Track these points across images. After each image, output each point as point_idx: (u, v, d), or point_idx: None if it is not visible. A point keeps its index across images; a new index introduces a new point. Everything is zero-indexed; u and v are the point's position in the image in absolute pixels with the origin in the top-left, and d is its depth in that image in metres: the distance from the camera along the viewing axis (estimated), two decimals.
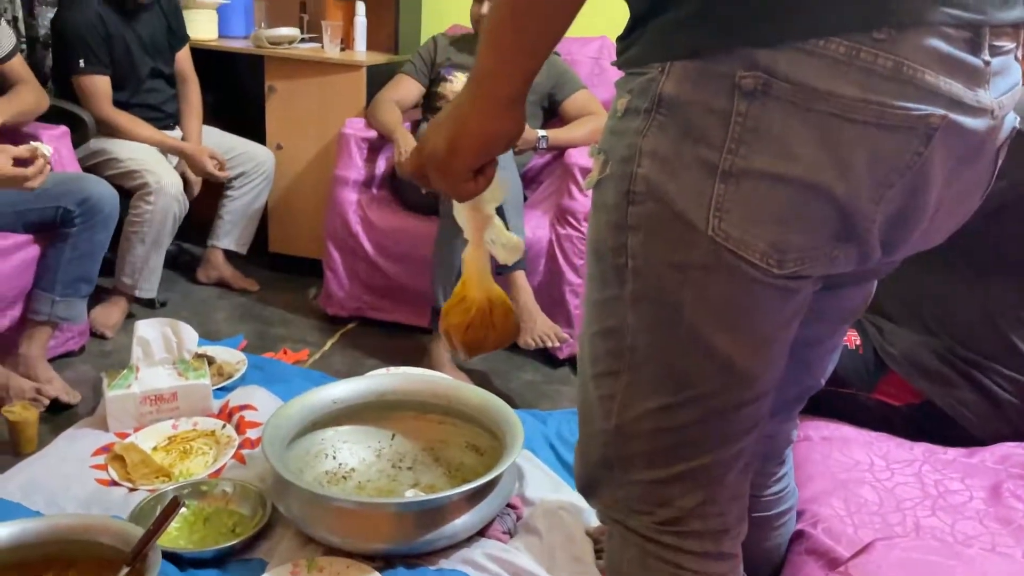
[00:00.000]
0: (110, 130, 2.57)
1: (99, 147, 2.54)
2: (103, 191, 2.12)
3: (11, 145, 1.86)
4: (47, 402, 1.99)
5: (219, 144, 2.83)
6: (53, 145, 2.22)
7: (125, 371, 1.91)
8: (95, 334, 2.49)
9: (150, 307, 2.77)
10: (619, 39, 0.77)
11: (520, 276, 2.38)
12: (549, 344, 2.30)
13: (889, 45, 0.65)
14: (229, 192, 2.89)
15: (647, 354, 0.77)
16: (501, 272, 2.37)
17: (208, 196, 2.89)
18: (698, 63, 0.68)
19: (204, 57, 3.05)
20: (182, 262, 3.17)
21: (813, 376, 0.99)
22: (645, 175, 0.72)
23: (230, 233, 2.92)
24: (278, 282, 3.06)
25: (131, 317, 2.64)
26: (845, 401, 1.39)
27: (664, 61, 0.70)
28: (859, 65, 0.65)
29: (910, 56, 0.65)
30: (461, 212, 0.99)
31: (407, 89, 2.75)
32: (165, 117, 2.76)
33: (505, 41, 0.74)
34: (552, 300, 2.49)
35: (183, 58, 2.80)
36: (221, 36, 3.11)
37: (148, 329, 1.94)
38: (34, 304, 2.10)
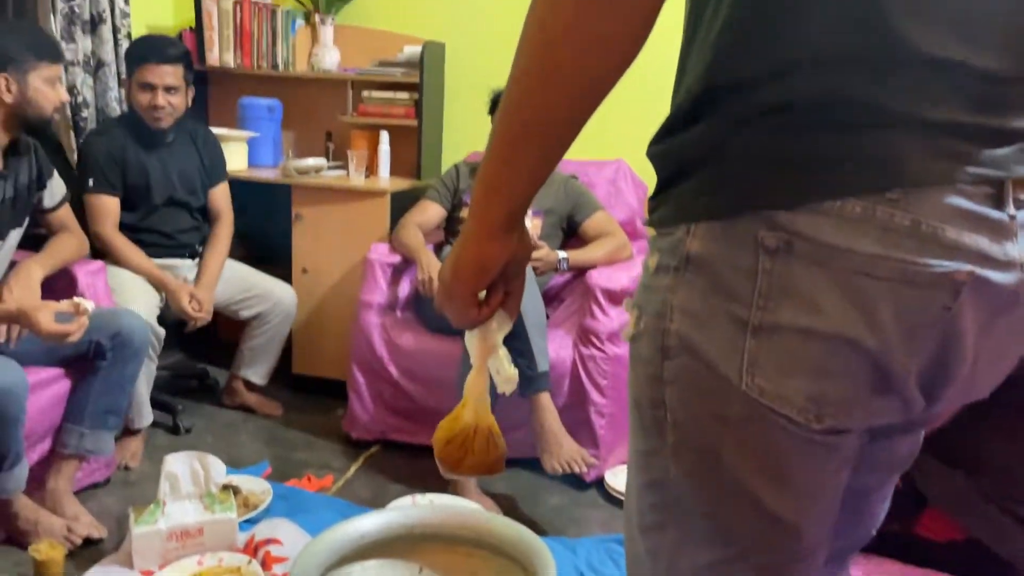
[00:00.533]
0: (105, 249, 2.60)
1: None
2: (134, 324, 2.16)
3: (53, 301, 1.93)
4: (79, 541, 1.98)
5: (241, 280, 2.85)
6: (90, 280, 2.30)
7: (152, 506, 1.90)
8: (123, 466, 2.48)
9: (174, 433, 2.77)
10: (650, 199, 0.81)
11: (544, 398, 2.37)
12: (576, 470, 2.27)
13: (904, 204, 0.66)
14: (248, 330, 2.90)
15: (692, 508, 0.76)
16: (524, 394, 2.37)
17: (238, 323, 2.93)
18: (721, 224, 0.70)
19: (234, 186, 3.15)
20: (207, 385, 3.18)
21: (864, 526, 0.96)
22: (677, 330, 0.74)
23: (251, 365, 2.92)
24: (302, 404, 3.06)
25: (153, 444, 2.65)
26: (885, 537, 1.35)
27: (689, 222, 0.73)
28: (877, 223, 0.66)
29: (928, 213, 0.66)
30: (471, 339, 1.02)
31: (430, 213, 2.83)
32: (178, 246, 2.78)
33: (492, 172, 0.78)
34: (577, 421, 2.47)
35: (217, 195, 2.86)
36: (251, 166, 3.22)
37: (177, 463, 1.93)
38: (63, 437, 2.11)
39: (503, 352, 1.02)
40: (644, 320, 0.78)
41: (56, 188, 2.25)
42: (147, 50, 2.65)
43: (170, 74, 2.61)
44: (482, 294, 0.89)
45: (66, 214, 2.29)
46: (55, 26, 2.87)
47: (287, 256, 3.09)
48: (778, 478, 0.73)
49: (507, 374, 1.03)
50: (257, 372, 2.94)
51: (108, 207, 2.60)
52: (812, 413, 0.70)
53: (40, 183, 2.18)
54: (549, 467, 2.32)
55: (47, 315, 1.89)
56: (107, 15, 3.06)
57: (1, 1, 2.97)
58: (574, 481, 2.52)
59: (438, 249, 2.88)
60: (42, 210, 2.22)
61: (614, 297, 2.51)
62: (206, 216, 2.87)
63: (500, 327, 0.97)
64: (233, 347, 3.00)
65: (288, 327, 2.94)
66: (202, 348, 3.35)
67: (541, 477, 2.55)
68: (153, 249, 2.69)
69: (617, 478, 2.44)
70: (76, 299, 1.95)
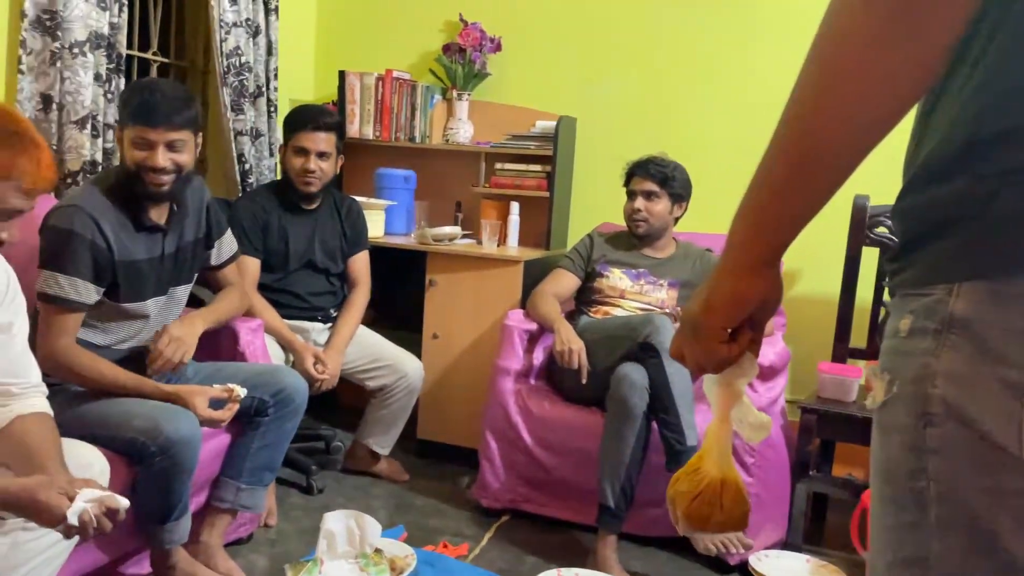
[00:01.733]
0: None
1: None
2: (296, 383, 2.19)
3: (209, 387, 1.99)
4: None
5: (372, 348, 2.86)
6: (249, 337, 2.36)
7: (310, 564, 1.89)
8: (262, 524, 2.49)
9: (307, 493, 2.78)
10: (890, 260, 0.77)
11: None
12: (732, 551, 2.17)
13: None
14: (373, 400, 2.89)
15: None
16: (671, 469, 2.30)
17: (363, 389, 2.94)
18: (990, 284, 0.66)
19: (371, 253, 3.24)
20: (335, 448, 3.19)
21: None
22: (942, 396, 0.69)
23: (375, 435, 2.91)
24: (426, 469, 3.05)
25: (287, 502, 2.66)
26: None
27: (952, 282, 0.69)
28: None
29: None
30: (711, 386, 0.98)
31: (565, 283, 2.83)
32: (311, 309, 2.83)
33: (758, 206, 0.77)
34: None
35: (356, 263, 2.91)
36: (387, 233, 3.30)
37: (335, 521, 1.93)
38: (220, 492, 2.13)
39: (747, 400, 0.98)
40: (898, 385, 0.73)
41: (226, 247, 2.32)
42: (305, 117, 2.77)
43: (323, 141, 2.72)
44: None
45: (231, 272, 2.36)
46: (225, 99, 3.04)
47: (419, 321, 3.12)
48: None
49: (758, 420, 0.98)
50: (381, 443, 2.92)
51: (248, 267, 2.67)
52: None
53: (208, 242, 2.26)
54: (701, 546, 2.22)
55: (203, 400, 1.95)
56: (264, 89, 3.25)
57: (183, 77, 3.19)
58: (716, 564, 2.41)
59: (568, 318, 2.87)
60: (208, 267, 2.30)
61: (761, 373, 2.43)
62: (343, 282, 2.93)
63: (746, 372, 0.93)
64: (356, 413, 3.01)
65: (413, 400, 2.92)
66: (325, 412, 3.38)
67: (679, 558, 2.45)
68: (287, 310, 2.74)
69: (762, 563, 2.33)
70: (230, 385, 2.01)
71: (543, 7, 3.41)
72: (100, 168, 2.57)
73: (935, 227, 0.71)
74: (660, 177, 2.72)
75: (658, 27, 3.27)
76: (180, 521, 1.92)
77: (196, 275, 2.26)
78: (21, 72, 2.41)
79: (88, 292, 1.92)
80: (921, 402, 0.71)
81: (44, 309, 1.90)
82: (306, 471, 2.81)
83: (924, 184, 0.72)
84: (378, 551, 1.99)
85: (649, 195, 2.74)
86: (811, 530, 2.68)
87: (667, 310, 2.72)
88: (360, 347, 2.83)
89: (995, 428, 0.67)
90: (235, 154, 3.12)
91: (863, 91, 0.68)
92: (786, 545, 2.51)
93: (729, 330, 0.85)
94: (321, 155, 2.72)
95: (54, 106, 2.46)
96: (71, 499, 1.36)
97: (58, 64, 2.44)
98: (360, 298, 2.89)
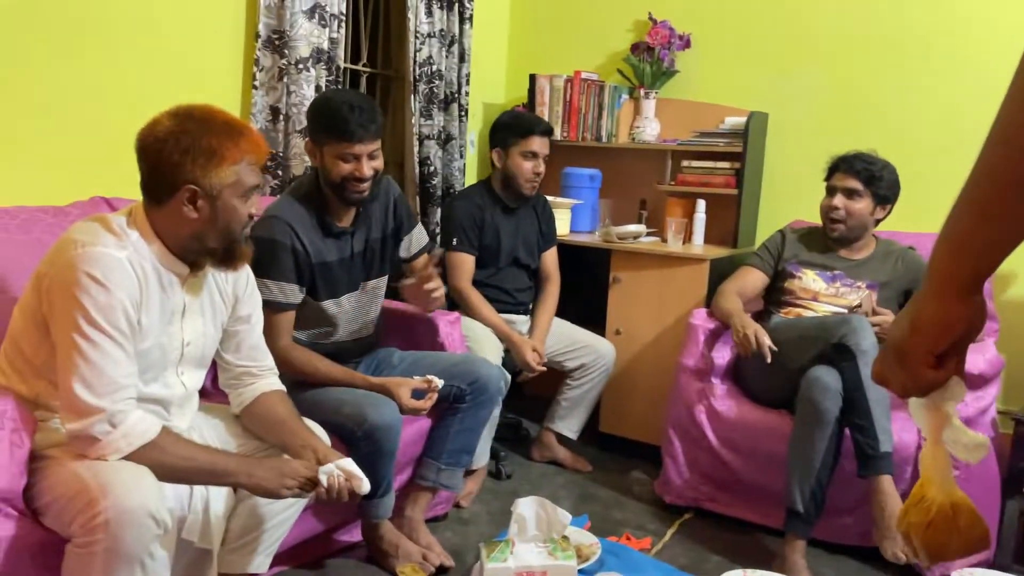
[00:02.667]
0: (460, 301, 2.82)
1: None
2: (491, 372, 2.31)
3: (410, 379, 2.16)
4: (432, 569, 2.14)
5: (566, 335, 2.99)
6: (448, 329, 2.51)
7: (503, 544, 2.00)
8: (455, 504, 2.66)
9: (496, 477, 2.92)
10: None
11: (887, 481, 2.21)
12: (924, 564, 2.06)
13: None
14: (569, 381, 3.00)
15: None
16: (863, 475, 2.23)
17: (550, 378, 3.05)
18: None
19: (558, 250, 3.35)
20: (520, 436, 3.32)
21: None
22: None
23: (565, 418, 3.01)
24: (607, 463, 3.10)
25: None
26: None
27: None
28: None
29: None
30: (919, 410, 0.95)
31: (751, 280, 2.78)
32: (515, 303, 2.98)
33: (966, 229, 0.75)
34: None
35: (548, 258, 3.05)
36: (572, 231, 3.38)
37: (526, 507, 2.03)
38: (422, 470, 2.30)
39: (958, 421, 0.95)
40: None
41: (415, 240, 2.45)
42: (531, 123, 2.92)
43: (546, 145, 2.91)
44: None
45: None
46: (415, 104, 3.24)
47: (602, 318, 3.18)
48: None
49: (973, 441, 0.94)
50: (570, 426, 3.02)
51: (466, 264, 2.84)
52: None
53: (397, 236, 2.39)
54: (891, 554, 2.14)
55: (406, 391, 2.11)
56: (456, 94, 3.42)
57: (372, 89, 3.44)
58: (910, 572, 2.30)
59: (756, 318, 2.81)
60: (399, 260, 2.44)
61: (970, 381, 2.29)
62: (536, 277, 3.05)
63: (954, 395, 0.90)
64: (540, 402, 3.11)
65: (605, 381, 3.01)
66: (512, 401, 3.51)
67: (869, 568, 2.36)
68: (496, 304, 2.89)
69: None
70: (429, 376, 2.16)
71: (733, 1, 3.35)
72: None
73: None
74: (866, 175, 2.59)
75: (854, 17, 3.13)
76: (385, 498, 2.09)
77: (389, 268, 2.40)
78: (255, 87, 2.69)
79: (294, 293, 2.10)
80: None
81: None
82: (495, 456, 2.94)
83: None
84: (566, 538, 2.07)
85: (851, 193, 2.61)
86: (1023, 549, 2.49)
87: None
88: (557, 334, 2.97)
89: None
90: (417, 158, 3.31)
91: None
92: (994, 565, 2.35)
93: (935, 354, 0.83)
94: (545, 158, 2.89)
95: (281, 117, 2.73)
96: (320, 463, 1.55)
97: (285, 79, 2.71)
98: (554, 289, 3.04)
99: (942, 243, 0.78)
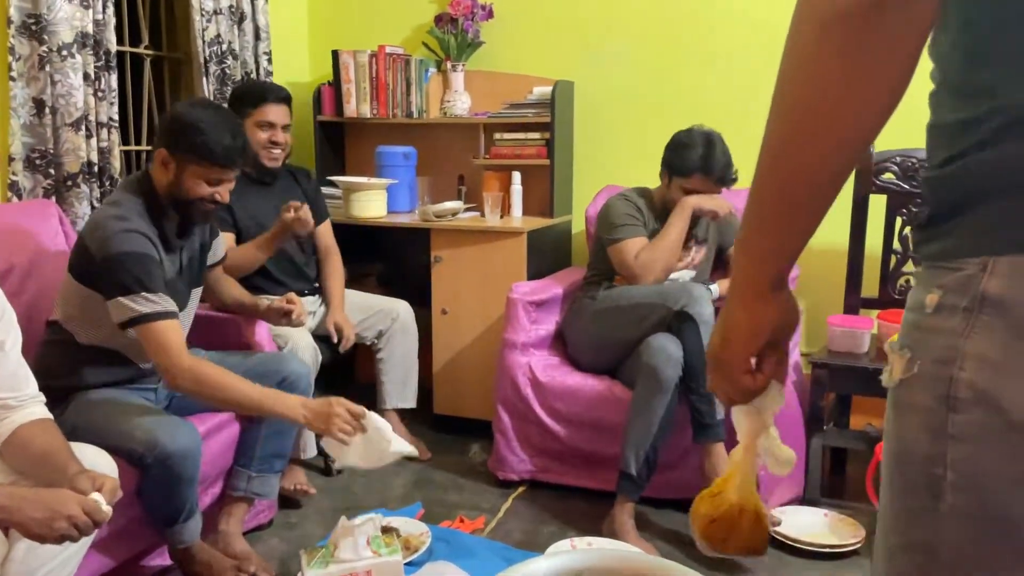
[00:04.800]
0: (234, 272, 2.59)
1: None
2: (299, 368, 2.21)
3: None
4: None
5: (360, 304, 2.93)
6: (252, 327, 2.37)
7: (323, 550, 1.91)
8: (291, 500, 2.54)
9: (327, 475, 2.81)
10: (917, 228, 0.72)
11: (720, 447, 2.30)
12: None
13: None
14: (379, 354, 2.92)
15: (966, 574, 0.68)
16: (698, 441, 2.31)
17: (367, 362, 2.95)
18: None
19: (375, 232, 3.25)
20: None
21: None
22: (970, 380, 0.65)
23: (391, 393, 2.93)
24: (444, 444, 3.06)
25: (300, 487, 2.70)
26: None
27: (986, 256, 0.64)
28: None
29: None
30: (738, 414, 0.96)
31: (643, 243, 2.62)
32: (299, 278, 2.85)
33: (756, 235, 0.78)
34: None
35: (323, 232, 2.91)
36: (390, 212, 3.29)
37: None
38: (233, 480, 2.17)
39: (774, 432, 0.96)
40: (919, 365, 0.69)
41: (219, 246, 2.34)
42: (263, 90, 2.77)
43: (284, 113, 2.74)
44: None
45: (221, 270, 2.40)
46: (208, 88, 3.03)
47: (427, 298, 3.12)
48: None
49: (783, 456, 0.97)
50: (402, 396, 2.94)
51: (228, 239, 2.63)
52: None
53: (210, 245, 2.27)
54: None
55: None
56: (254, 74, 3.23)
57: (159, 73, 3.18)
58: None
59: (587, 288, 2.80)
60: (208, 266, 2.30)
61: None
62: (315, 254, 2.93)
63: (774, 400, 0.92)
64: (373, 388, 3.03)
65: (415, 343, 2.96)
66: (344, 392, 3.40)
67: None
68: (280, 288, 2.70)
69: (784, 525, 2.31)
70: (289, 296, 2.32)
71: None
72: (96, 169, 2.58)
73: (968, 197, 0.66)
74: (730, 182, 2.55)
75: None
76: (188, 523, 1.95)
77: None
78: (12, 79, 2.41)
79: (172, 303, 1.95)
80: (945, 385, 0.67)
81: (148, 331, 1.89)
82: (323, 453, 2.82)
83: (961, 153, 0.66)
84: (389, 531, 2.01)
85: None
86: (831, 484, 2.66)
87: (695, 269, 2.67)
88: (351, 307, 2.88)
89: None
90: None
91: (828, 126, 0.70)
92: (804, 501, 2.50)
93: (753, 360, 0.84)
94: (285, 127, 2.75)
95: (47, 110, 2.46)
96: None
97: (47, 68, 2.44)
98: (337, 261, 2.93)
99: (736, 249, 0.82)
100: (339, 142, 3.65)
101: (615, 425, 2.42)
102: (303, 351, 2.51)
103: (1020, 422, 0.63)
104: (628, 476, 2.32)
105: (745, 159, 2.71)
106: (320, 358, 2.61)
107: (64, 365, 2.00)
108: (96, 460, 1.64)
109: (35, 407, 1.60)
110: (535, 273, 2.98)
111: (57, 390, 1.81)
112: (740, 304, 0.81)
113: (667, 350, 2.30)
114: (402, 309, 2.95)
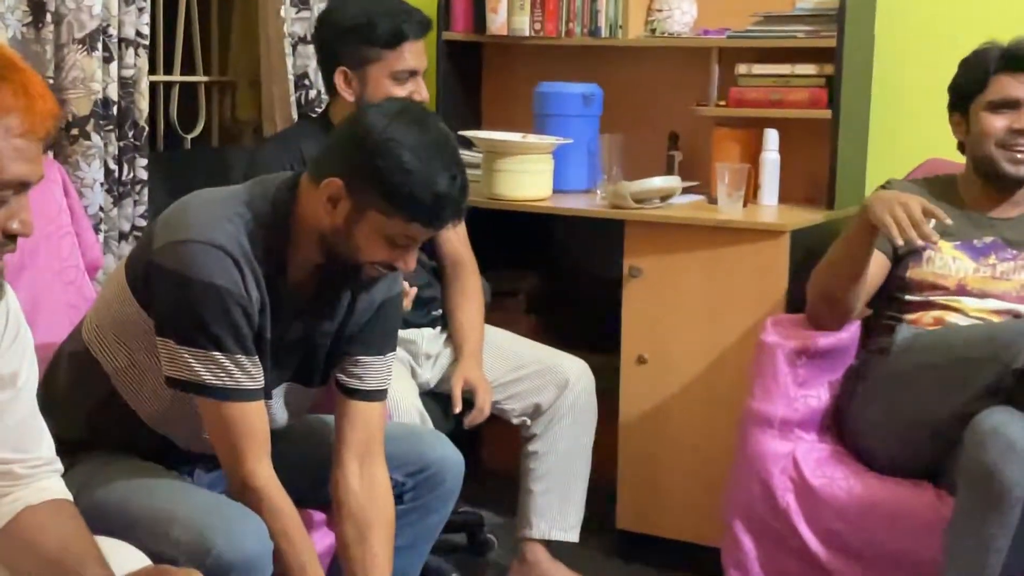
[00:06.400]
0: None
1: None
2: (448, 455, 2.31)
3: None
4: None
5: (507, 352, 2.99)
6: None
7: None
8: None
9: None
10: None
11: None
12: None
13: None
14: (532, 445, 2.96)
15: None
16: None
17: (502, 449, 2.98)
18: None
19: (533, 223, 3.34)
20: (481, 541, 3.27)
21: None
22: None
23: (548, 511, 2.95)
24: None
25: None
26: None
27: None
28: None
29: None
30: None
31: (873, 266, 2.70)
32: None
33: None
34: None
35: (450, 233, 2.93)
36: (556, 191, 3.35)
37: None
38: None
39: None
40: None
41: (373, 371, 2.33)
42: (401, 20, 2.81)
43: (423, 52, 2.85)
44: None
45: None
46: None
47: (613, 337, 3.16)
48: None
49: None
50: (560, 523, 2.96)
51: None
52: None
53: (347, 350, 2.29)
54: None
55: None
56: None
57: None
58: None
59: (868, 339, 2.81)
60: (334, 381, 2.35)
61: None
62: (438, 274, 3.02)
63: None
64: (509, 483, 3.07)
65: (591, 425, 2.98)
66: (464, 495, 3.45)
67: None
68: None
69: None
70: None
71: None
72: (115, 110, 2.75)
73: None
74: None
75: None
76: None
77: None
78: None
79: (257, 370, 2.04)
80: None
81: (216, 411, 2.01)
82: None
83: None
84: None
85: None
86: None
87: None
88: (491, 354, 2.94)
89: None
90: (292, 73, 3.27)
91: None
92: None
93: None
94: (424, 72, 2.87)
95: (48, 16, 2.63)
96: None
97: None
98: (473, 279, 3.01)
99: None
100: (476, 76, 3.76)
101: (934, 558, 2.40)
102: (404, 414, 2.60)
103: None
104: None
105: None
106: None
107: (78, 406, 2.11)
108: (127, 563, 1.70)
109: (49, 480, 1.69)
110: (803, 300, 2.93)
111: (60, 443, 1.90)
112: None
113: (1005, 434, 2.27)
114: (578, 372, 2.97)
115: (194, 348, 1.95)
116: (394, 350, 2.32)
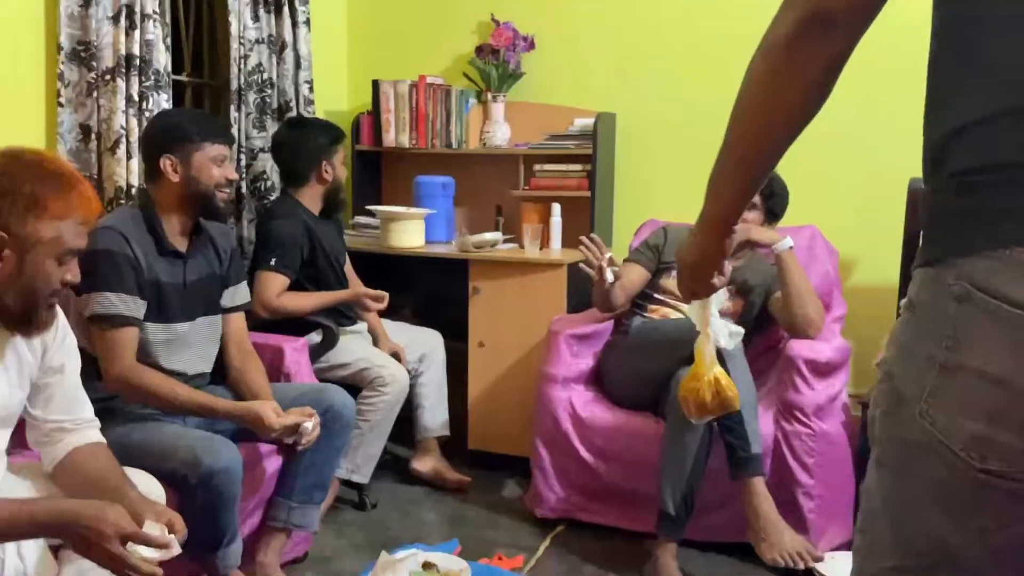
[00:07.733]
0: (284, 314, 2.66)
1: (324, 358, 2.74)
2: (344, 400, 2.26)
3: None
4: None
5: (401, 336, 3.04)
6: (294, 356, 2.43)
7: None
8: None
9: (361, 509, 2.84)
10: None
11: (759, 483, 2.30)
12: (800, 566, 2.16)
13: None
14: (420, 379, 3.00)
15: (880, 516, 0.87)
16: (737, 478, 2.30)
17: None
18: (930, 271, 0.82)
19: (413, 263, 3.32)
20: (385, 462, 3.24)
21: None
22: (887, 358, 0.87)
23: (435, 418, 3.01)
24: (479, 480, 3.07)
25: (341, 519, 2.74)
26: None
27: (916, 268, 0.85)
28: None
29: None
30: (692, 309, 1.75)
31: (634, 275, 2.76)
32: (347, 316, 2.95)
33: (711, 182, 1.08)
34: (781, 503, 2.36)
35: (349, 267, 3.05)
36: (428, 242, 3.35)
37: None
38: (273, 511, 2.21)
39: (716, 317, 1.81)
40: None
41: (240, 295, 2.34)
42: (336, 130, 2.94)
43: None
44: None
45: (238, 324, 2.33)
46: (242, 116, 3.12)
47: (464, 331, 3.16)
48: (943, 505, 0.80)
49: (732, 330, 1.92)
50: (443, 424, 3.05)
51: (278, 283, 2.68)
52: (976, 453, 0.76)
53: (224, 283, 2.29)
54: (769, 558, 2.22)
55: (271, 411, 2.06)
56: (293, 104, 3.32)
57: (199, 101, 3.29)
58: (783, 571, 2.39)
59: (621, 320, 2.86)
60: (225, 309, 2.30)
61: (818, 369, 2.42)
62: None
63: (719, 296, 1.67)
64: (403, 423, 3.04)
65: (444, 370, 3.09)
66: None
67: (740, 562, 2.44)
68: (345, 320, 2.89)
69: (827, 565, 2.30)
70: (308, 408, 2.14)
71: (575, 2, 3.41)
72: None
73: (924, 223, 0.88)
74: (767, 190, 2.58)
75: (698, 14, 3.24)
76: (230, 548, 1.98)
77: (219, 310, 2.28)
78: (60, 104, 2.51)
79: (138, 306, 2.01)
80: (883, 363, 0.90)
81: (99, 331, 1.98)
82: (358, 487, 2.85)
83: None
84: (431, 566, 2.03)
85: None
86: None
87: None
88: (398, 335, 3.05)
89: (908, 389, 0.84)
90: (248, 175, 3.16)
91: (761, 114, 0.97)
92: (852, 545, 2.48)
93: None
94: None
95: (93, 136, 2.55)
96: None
97: (94, 94, 2.54)
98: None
99: (707, 200, 1.12)
100: (376, 172, 3.74)
101: (656, 463, 2.42)
102: (401, 379, 2.76)
103: (901, 393, 0.83)
104: (667, 515, 2.33)
105: (824, 194, 2.71)
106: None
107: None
108: (149, 486, 1.68)
109: (90, 431, 1.66)
110: (575, 306, 3.01)
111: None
112: (712, 233, 1.16)
113: None
114: (435, 338, 3.06)
115: (94, 292, 1.98)
116: (244, 280, 2.38)
